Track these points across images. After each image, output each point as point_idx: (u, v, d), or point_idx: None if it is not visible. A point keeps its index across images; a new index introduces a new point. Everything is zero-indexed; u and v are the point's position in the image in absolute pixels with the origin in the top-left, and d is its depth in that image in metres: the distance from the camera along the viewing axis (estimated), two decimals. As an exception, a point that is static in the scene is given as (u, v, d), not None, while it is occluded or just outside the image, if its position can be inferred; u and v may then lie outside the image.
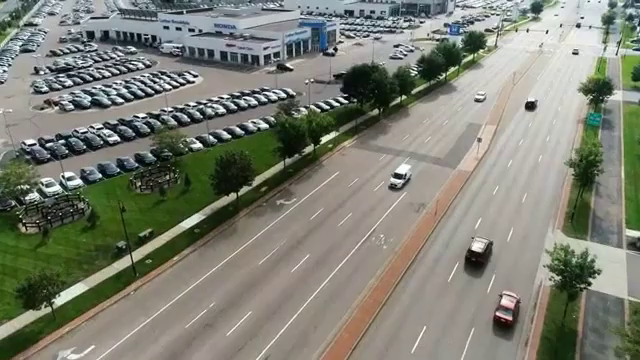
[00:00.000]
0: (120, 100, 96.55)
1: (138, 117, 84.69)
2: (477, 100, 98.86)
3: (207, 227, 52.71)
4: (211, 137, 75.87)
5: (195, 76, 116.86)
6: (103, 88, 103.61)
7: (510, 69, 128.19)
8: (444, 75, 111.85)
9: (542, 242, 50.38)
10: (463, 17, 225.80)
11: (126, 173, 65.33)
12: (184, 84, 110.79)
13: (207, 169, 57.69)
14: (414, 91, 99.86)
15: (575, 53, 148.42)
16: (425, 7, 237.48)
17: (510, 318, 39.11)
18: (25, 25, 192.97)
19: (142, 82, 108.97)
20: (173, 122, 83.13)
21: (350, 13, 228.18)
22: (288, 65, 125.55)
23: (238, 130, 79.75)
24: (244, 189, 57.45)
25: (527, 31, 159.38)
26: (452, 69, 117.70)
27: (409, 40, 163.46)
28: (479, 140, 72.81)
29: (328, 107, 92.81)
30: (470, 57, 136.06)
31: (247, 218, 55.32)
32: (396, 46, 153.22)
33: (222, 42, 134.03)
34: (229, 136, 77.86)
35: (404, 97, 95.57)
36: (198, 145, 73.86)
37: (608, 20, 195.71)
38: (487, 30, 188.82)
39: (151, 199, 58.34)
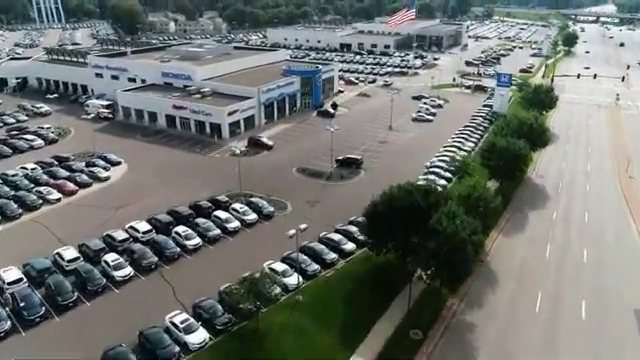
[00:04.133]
0: (-57, 238, 51.42)
1: None
2: None
3: None
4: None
5: (115, 164, 72.28)
6: None
7: (599, 139, 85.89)
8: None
9: None
10: (484, 52, 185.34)
11: None
12: (89, 184, 65.68)
13: None
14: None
15: None
16: (437, 39, 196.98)
17: None
18: None
19: (13, 185, 63.82)
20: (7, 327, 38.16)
21: (347, 47, 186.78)
22: (265, 140, 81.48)
23: (134, 362, 34.48)
24: None
25: (594, 77, 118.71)
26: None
27: (430, 87, 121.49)
28: None
29: (335, 256, 48.17)
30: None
31: None
32: (417, 98, 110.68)
33: (168, 102, 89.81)
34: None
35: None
36: None
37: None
38: (523, 70, 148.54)
39: None
